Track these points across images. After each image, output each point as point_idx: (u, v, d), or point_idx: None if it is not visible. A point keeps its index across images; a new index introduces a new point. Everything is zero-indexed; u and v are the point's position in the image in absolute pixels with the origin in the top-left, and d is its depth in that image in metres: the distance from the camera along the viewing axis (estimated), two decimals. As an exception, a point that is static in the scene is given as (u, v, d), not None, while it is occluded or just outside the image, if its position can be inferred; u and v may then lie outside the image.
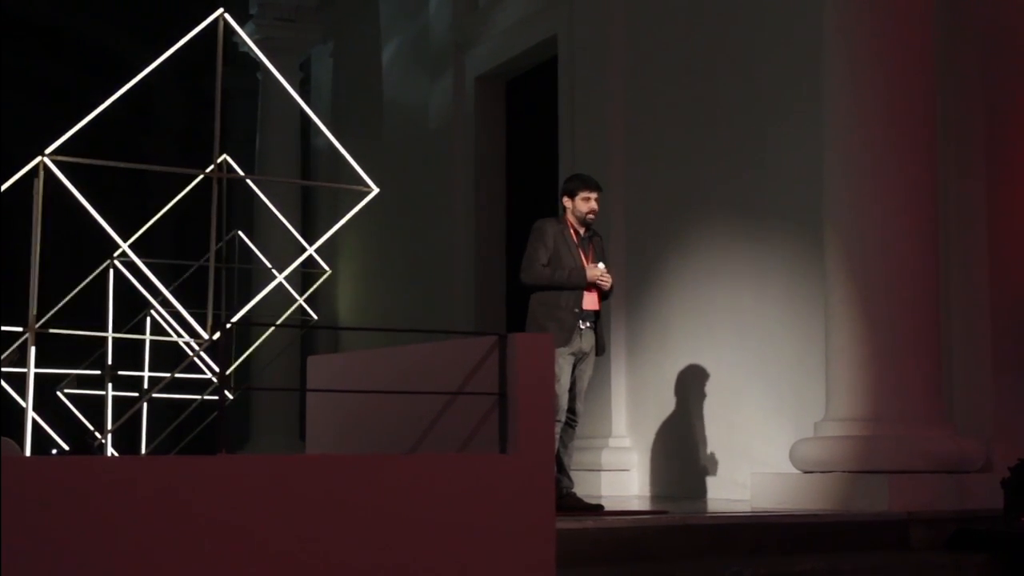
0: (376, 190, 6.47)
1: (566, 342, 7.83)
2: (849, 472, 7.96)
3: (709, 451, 10.14)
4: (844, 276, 8.23)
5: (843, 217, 8.30)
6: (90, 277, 7.89)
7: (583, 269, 7.95)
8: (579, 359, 7.99)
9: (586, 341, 7.99)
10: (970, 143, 8.75)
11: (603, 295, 8.12)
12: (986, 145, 8.72)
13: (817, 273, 8.80)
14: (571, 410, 7.99)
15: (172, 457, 4.89)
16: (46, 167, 5.56)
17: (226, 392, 5.23)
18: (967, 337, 8.65)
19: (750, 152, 10.07)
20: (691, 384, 10.37)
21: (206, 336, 5.68)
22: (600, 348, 8.09)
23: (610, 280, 8.06)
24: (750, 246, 10.02)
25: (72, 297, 7.65)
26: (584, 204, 8.09)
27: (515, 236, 13.26)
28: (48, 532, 4.12)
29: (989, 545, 7.29)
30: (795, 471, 8.37)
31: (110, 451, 7.35)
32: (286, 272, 6.79)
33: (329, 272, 8.79)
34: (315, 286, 9.02)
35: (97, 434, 7.40)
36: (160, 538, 4.27)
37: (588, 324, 8.00)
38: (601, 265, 8.02)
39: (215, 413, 6.52)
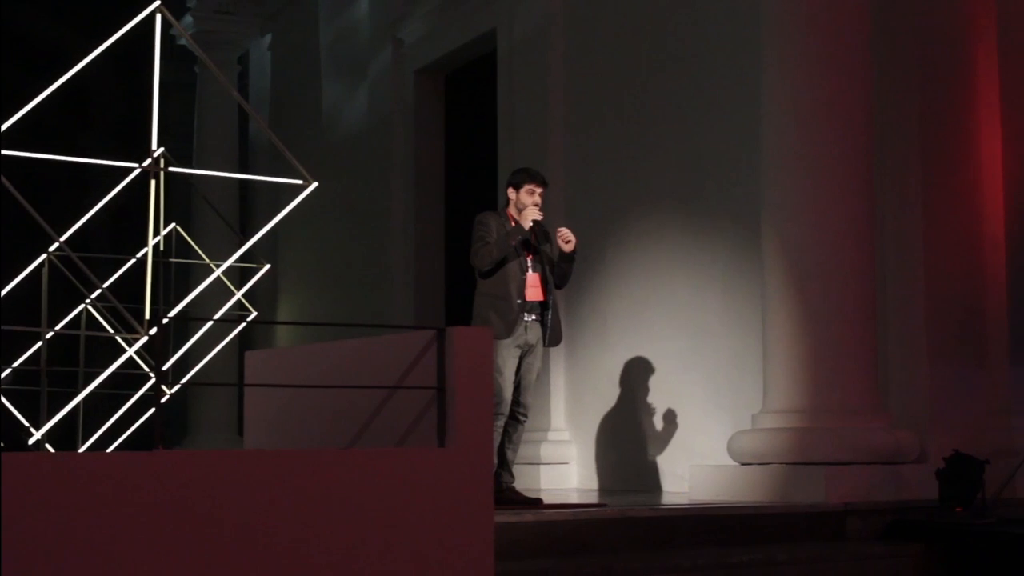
0: (314, 184, 6.45)
1: (508, 334, 7.79)
2: (786, 464, 8.01)
3: (648, 444, 10.18)
4: (781, 270, 8.28)
5: (779, 211, 8.36)
6: (25, 272, 7.82)
7: (518, 227, 7.91)
8: (525, 352, 7.94)
9: (532, 333, 7.93)
10: (905, 140, 8.83)
11: (566, 259, 8.05)
12: (921, 142, 8.80)
13: (754, 267, 8.85)
14: (518, 403, 7.94)
15: (108, 453, 4.86)
16: (-20, 161, 5.50)
17: (163, 388, 5.21)
18: (903, 330, 8.73)
19: (689, 147, 10.12)
20: (630, 377, 10.40)
21: (142, 331, 5.65)
22: (554, 339, 7.99)
23: (572, 239, 7.99)
24: (688, 240, 10.07)
25: (7, 292, 7.58)
26: (528, 197, 8.07)
27: (454, 231, 13.26)
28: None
29: (925, 535, 7.36)
30: (733, 463, 8.42)
31: (46, 448, 7.29)
32: (224, 267, 6.76)
33: (268, 267, 8.75)
34: (253, 280, 8.98)
35: (32, 430, 7.34)
36: (94, 535, 4.25)
37: (533, 316, 7.96)
38: (532, 208, 7.96)
39: (152, 409, 6.49)
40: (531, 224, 7.92)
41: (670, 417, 10.04)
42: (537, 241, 8.00)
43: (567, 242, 7.93)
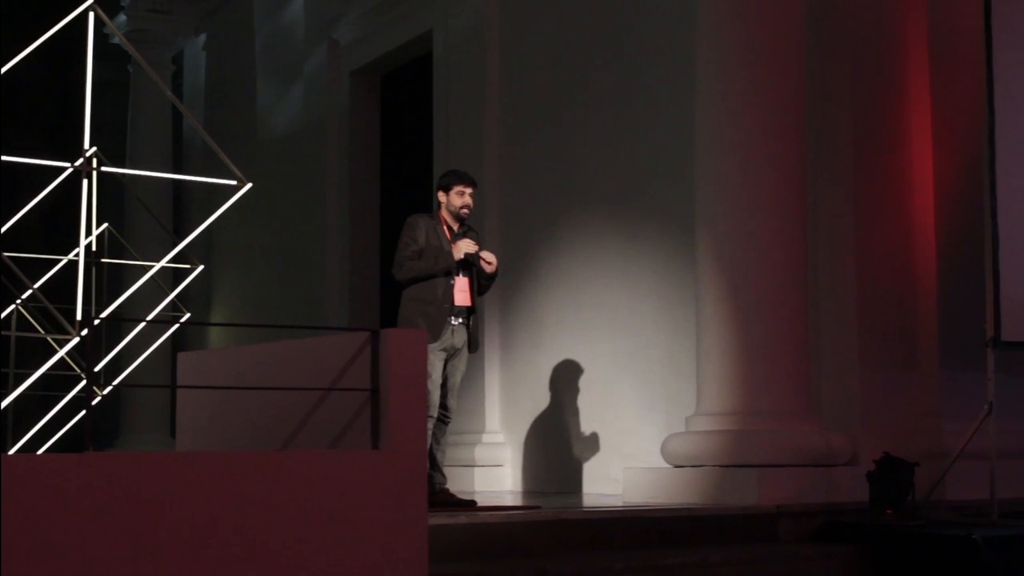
0: (248, 184, 6.41)
1: (435, 338, 7.81)
2: (719, 466, 8.05)
3: (582, 446, 10.20)
4: (715, 273, 8.32)
5: (713, 215, 8.40)
6: (-46, 273, 7.72)
7: (450, 253, 7.94)
8: (451, 355, 7.98)
9: (458, 337, 7.98)
10: (837, 145, 8.90)
11: (488, 278, 8.09)
12: (853, 147, 8.87)
13: (688, 270, 8.89)
14: (444, 406, 7.97)
15: (38, 456, 4.82)
16: (-92, 160, 5.43)
17: (95, 389, 5.16)
18: (834, 334, 8.79)
19: (624, 149, 10.15)
20: (564, 380, 10.42)
21: (74, 332, 5.60)
22: (473, 345, 8.07)
23: (494, 261, 8.04)
24: (623, 243, 10.10)
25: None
26: (458, 199, 8.10)
27: (389, 232, 13.23)
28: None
29: (856, 537, 7.43)
30: (666, 465, 8.45)
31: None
32: (156, 267, 6.71)
33: (201, 267, 8.70)
34: (186, 281, 8.93)
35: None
36: (22, 538, 4.21)
37: (460, 320, 7.99)
38: (467, 241, 8.00)
39: (83, 411, 6.43)
40: (463, 256, 7.95)
41: (604, 420, 10.06)
42: (468, 268, 8.02)
43: (489, 263, 7.99)
